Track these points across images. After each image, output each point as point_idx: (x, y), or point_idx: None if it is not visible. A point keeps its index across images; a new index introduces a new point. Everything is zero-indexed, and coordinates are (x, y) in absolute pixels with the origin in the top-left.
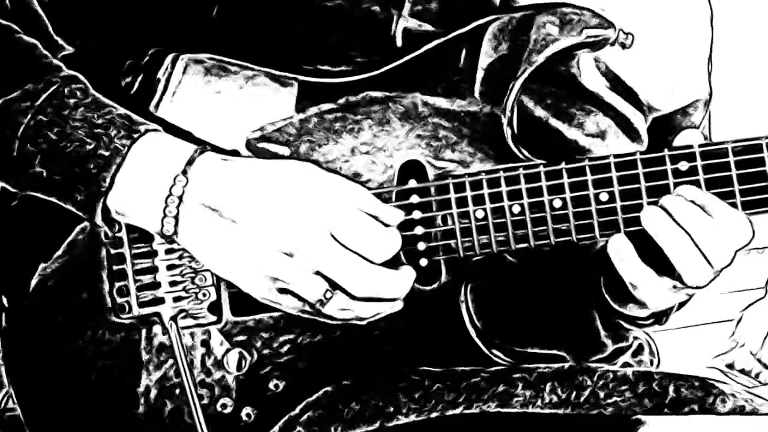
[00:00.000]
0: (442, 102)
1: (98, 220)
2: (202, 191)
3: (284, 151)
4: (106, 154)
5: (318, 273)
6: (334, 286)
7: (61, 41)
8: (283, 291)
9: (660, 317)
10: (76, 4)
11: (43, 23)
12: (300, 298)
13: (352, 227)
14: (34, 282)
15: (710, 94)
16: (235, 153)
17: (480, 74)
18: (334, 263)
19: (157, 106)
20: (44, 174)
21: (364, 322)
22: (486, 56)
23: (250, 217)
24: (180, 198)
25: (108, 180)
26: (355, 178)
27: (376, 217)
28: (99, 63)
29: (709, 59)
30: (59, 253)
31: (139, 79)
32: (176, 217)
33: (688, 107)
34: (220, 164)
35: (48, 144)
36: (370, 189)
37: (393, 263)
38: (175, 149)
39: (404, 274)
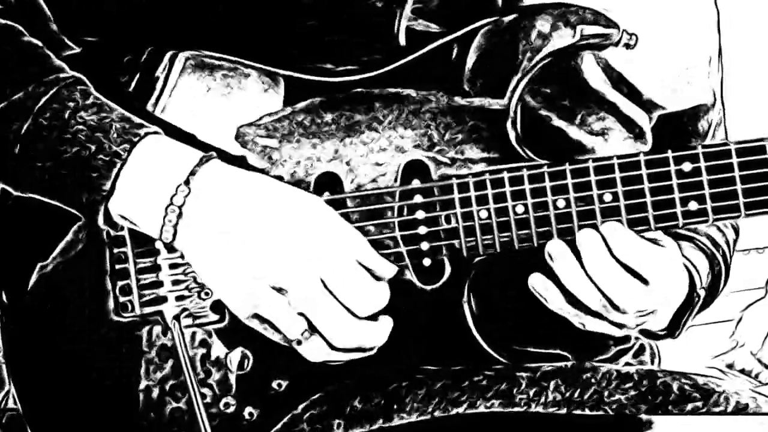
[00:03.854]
0: (440, 99)
1: (100, 223)
2: (204, 205)
3: (273, 143)
4: (107, 158)
5: (302, 314)
6: (314, 329)
7: (66, 40)
8: (263, 320)
9: (672, 329)
10: (80, 1)
11: (49, 21)
12: (279, 331)
13: (343, 278)
14: (33, 280)
15: (714, 98)
16: (242, 159)
17: (468, 72)
18: (319, 311)
19: (155, 104)
20: (45, 177)
21: (340, 363)
22: (475, 54)
23: (247, 242)
24: (180, 208)
25: (108, 185)
26: (355, 178)
27: (369, 270)
28: (103, 62)
29: (719, 60)
30: (59, 250)
31: (137, 77)
32: (175, 226)
33: (694, 110)
34: (225, 178)
35: (48, 148)
36: (370, 189)
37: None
38: (179, 155)
39: (382, 325)
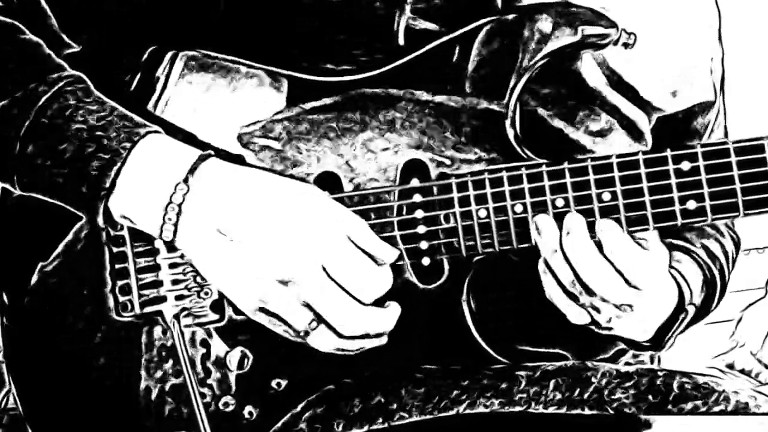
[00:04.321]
0: (441, 99)
1: (100, 221)
2: (203, 202)
3: (275, 144)
4: (107, 156)
5: (307, 305)
6: (319, 318)
7: (66, 39)
8: (269, 313)
9: (657, 343)
10: (81, 0)
11: (49, 20)
12: (287, 324)
13: (345, 266)
14: (34, 280)
15: (715, 96)
16: (239, 158)
17: (470, 72)
18: (324, 300)
19: (156, 103)
20: (45, 176)
21: (351, 352)
22: (477, 54)
23: (248, 238)
24: (179, 206)
25: (108, 183)
26: (354, 178)
27: (371, 255)
28: (103, 61)
29: (721, 60)
30: (59, 251)
31: (138, 76)
32: (175, 225)
33: (693, 109)
34: (223, 175)
35: (49, 146)
36: (371, 188)
37: (394, 264)
38: (178, 154)
39: (390, 312)
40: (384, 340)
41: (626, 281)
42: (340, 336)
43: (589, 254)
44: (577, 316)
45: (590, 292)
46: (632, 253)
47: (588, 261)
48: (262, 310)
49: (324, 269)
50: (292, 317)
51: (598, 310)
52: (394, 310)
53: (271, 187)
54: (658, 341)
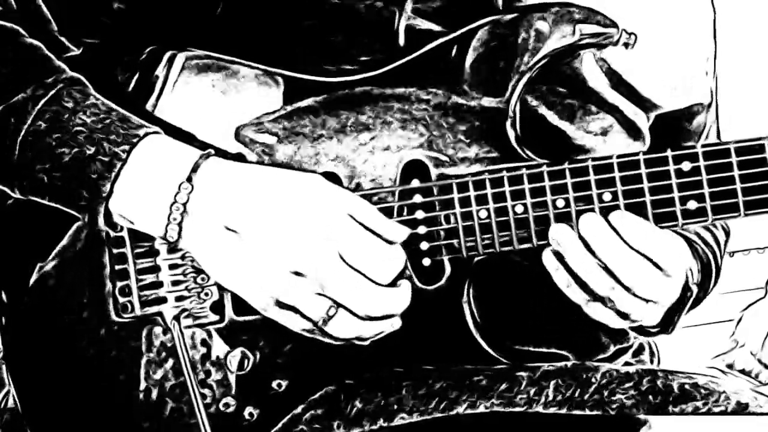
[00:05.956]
0: (439, 99)
1: (101, 224)
2: (207, 200)
3: (272, 140)
4: (106, 159)
5: (322, 293)
6: (337, 304)
7: (66, 42)
8: (285, 307)
9: (666, 326)
10: (80, 3)
11: (48, 23)
12: (303, 316)
13: (359, 249)
14: (33, 280)
15: (711, 98)
16: (239, 156)
17: (467, 74)
18: (341, 285)
19: (154, 104)
20: (45, 180)
21: (366, 342)
22: (473, 56)
23: (257, 232)
24: (184, 206)
25: (108, 186)
26: (354, 178)
27: (380, 235)
28: (102, 63)
29: (714, 60)
30: (58, 250)
31: (136, 77)
32: (180, 225)
33: (691, 109)
34: (226, 172)
35: (48, 150)
36: (370, 189)
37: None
38: (179, 154)
39: (402, 290)
40: (398, 323)
41: (660, 268)
42: (357, 317)
43: (620, 250)
44: (602, 314)
45: (627, 289)
46: (660, 239)
47: (621, 257)
48: (277, 304)
49: (339, 255)
50: (309, 307)
51: (628, 307)
52: (406, 287)
53: (276, 180)
54: (667, 324)
